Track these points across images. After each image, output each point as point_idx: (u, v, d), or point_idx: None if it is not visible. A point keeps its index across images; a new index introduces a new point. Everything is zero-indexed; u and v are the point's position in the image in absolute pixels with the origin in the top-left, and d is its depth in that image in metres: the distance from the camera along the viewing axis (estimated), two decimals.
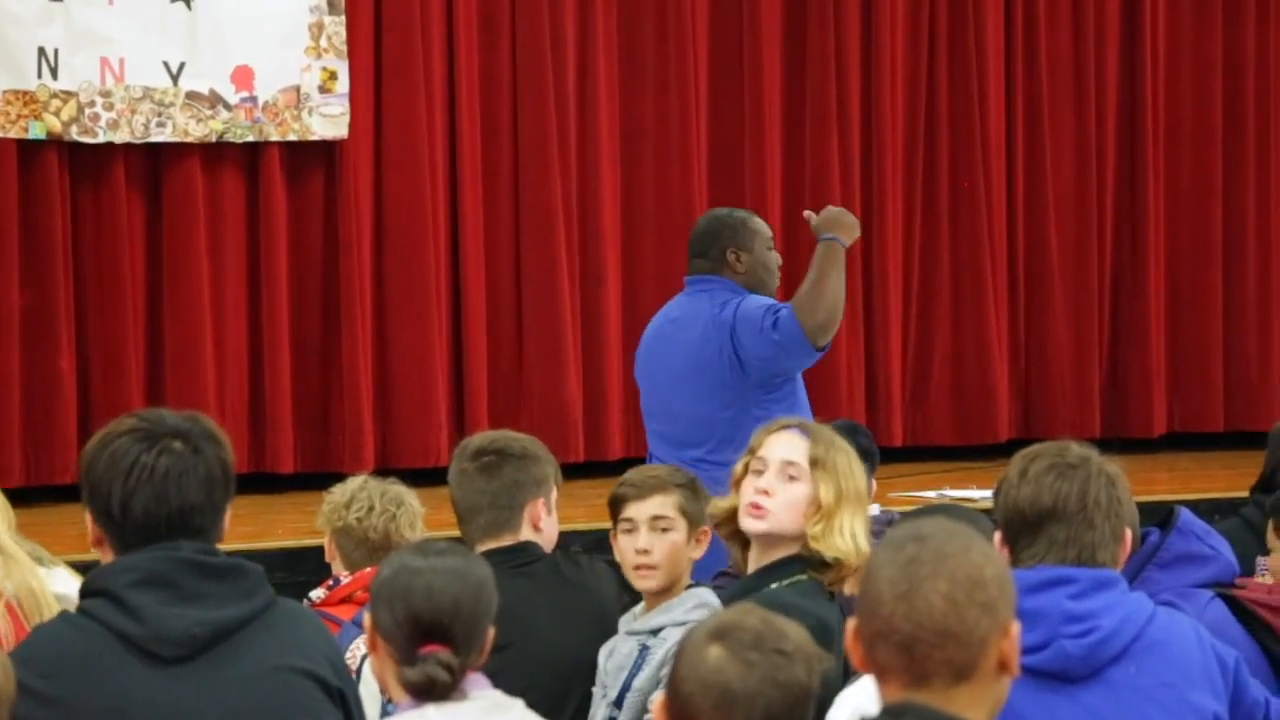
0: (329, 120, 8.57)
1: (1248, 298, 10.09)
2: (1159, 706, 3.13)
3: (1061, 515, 3.18)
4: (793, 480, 3.81)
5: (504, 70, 8.95)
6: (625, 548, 4.12)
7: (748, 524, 3.84)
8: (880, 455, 5.72)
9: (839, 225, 5.71)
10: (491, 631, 3.00)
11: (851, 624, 2.45)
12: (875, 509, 5.35)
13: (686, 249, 9.21)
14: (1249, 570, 5.00)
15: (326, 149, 8.64)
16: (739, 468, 3.89)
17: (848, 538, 3.74)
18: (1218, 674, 3.22)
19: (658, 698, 2.59)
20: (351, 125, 8.60)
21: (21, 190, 8.24)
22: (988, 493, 7.82)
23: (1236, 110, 10.08)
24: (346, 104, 8.58)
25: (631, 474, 4.23)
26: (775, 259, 5.83)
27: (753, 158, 9.33)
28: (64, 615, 3.11)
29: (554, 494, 4.29)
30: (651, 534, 4.08)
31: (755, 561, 3.86)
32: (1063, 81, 9.83)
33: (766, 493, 3.80)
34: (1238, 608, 4.35)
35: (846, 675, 3.40)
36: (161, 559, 3.00)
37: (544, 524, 4.26)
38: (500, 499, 4.20)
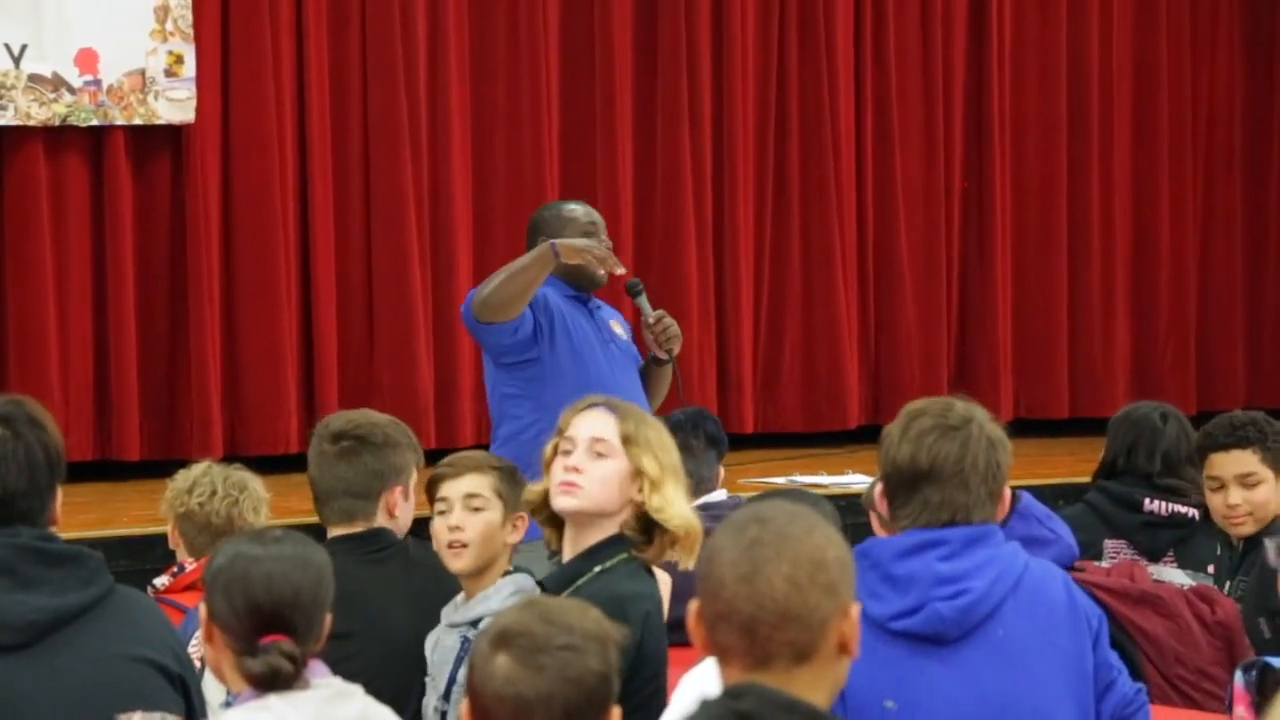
0: (175, 104, 8.47)
1: (1092, 286, 10.25)
2: (1034, 656, 3.16)
3: (937, 477, 3.19)
4: (601, 457, 3.74)
5: (354, 55, 8.89)
6: (439, 527, 4.11)
7: (560, 502, 3.75)
8: (730, 442, 5.76)
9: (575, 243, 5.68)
10: (329, 619, 2.99)
11: (693, 605, 2.46)
12: (723, 494, 5.39)
13: None
14: (1093, 554, 5.09)
15: (173, 134, 8.54)
16: (548, 450, 3.82)
17: (683, 508, 3.75)
18: (1085, 626, 3.25)
19: (463, 704, 2.58)
20: (198, 110, 8.50)
21: None
22: (837, 479, 7.92)
23: (1081, 102, 10.22)
24: (193, 88, 8.48)
25: (449, 457, 4.22)
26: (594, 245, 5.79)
27: (604, 146, 9.33)
28: None
29: (413, 479, 4.28)
30: (465, 512, 4.07)
31: (572, 543, 3.77)
32: (911, 73, 9.92)
33: (577, 470, 3.73)
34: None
35: None
36: (0, 545, 2.96)
37: (399, 510, 4.25)
38: (356, 486, 4.18)
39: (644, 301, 5.84)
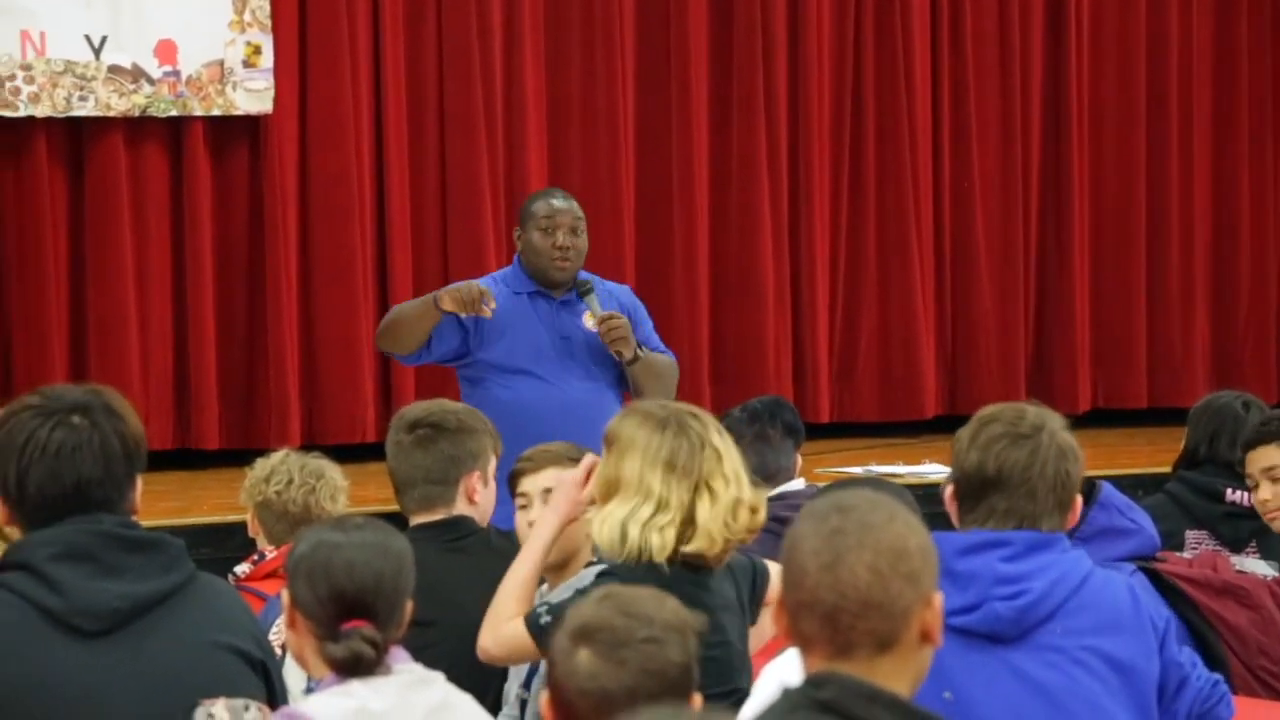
0: (253, 95, 8.51)
1: (1171, 274, 10.16)
2: (1082, 667, 3.15)
3: (1005, 485, 3.18)
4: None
5: (430, 45, 8.91)
6: (521, 523, 4.12)
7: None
8: (806, 431, 5.74)
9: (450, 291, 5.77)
10: (410, 605, 3.00)
11: (776, 595, 2.45)
12: (800, 483, 5.38)
13: (611, 227, 9.26)
14: (1174, 545, 5.04)
15: (251, 124, 8.58)
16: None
17: (610, 523, 3.62)
18: (1149, 631, 3.23)
19: (544, 696, 2.59)
20: (276, 100, 8.54)
21: None
22: (914, 469, 7.89)
23: (1160, 89, 10.13)
24: (271, 79, 8.52)
25: (528, 450, 4.23)
26: (542, 240, 5.81)
27: (679, 135, 9.32)
28: None
29: (491, 465, 4.29)
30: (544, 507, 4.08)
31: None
32: (988, 60, 9.86)
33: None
34: (1159, 581, 4.39)
35: None
36: (82, 532, 2.99)
37: (479, 497, 4.27)
38: (434, 473, 4.20)
39: (592, 301, 5.80)
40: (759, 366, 9.35)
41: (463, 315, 5.74)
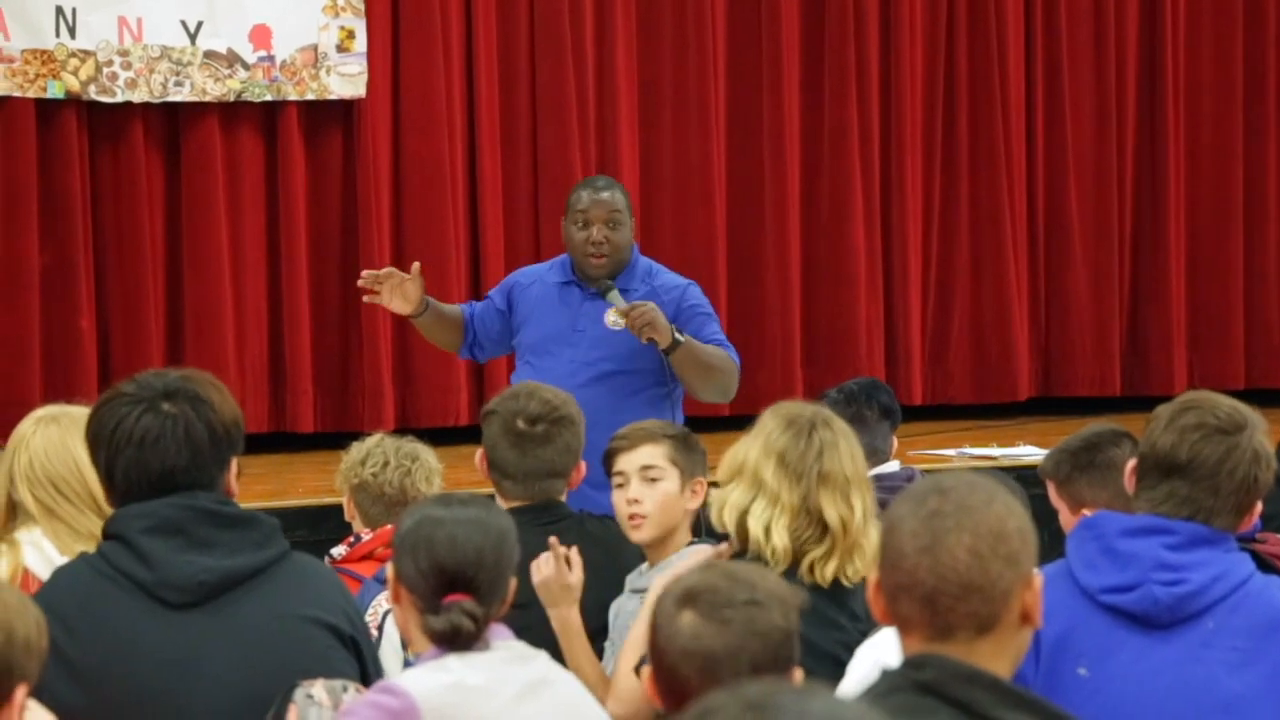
0: (347, 80, 8.55)
1: (1268, 254, 10.06)
2: (1226, 667, 3.11)
3: (1191, 474, 3.15)
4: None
5: (522, 29, 8.92)
6: (618, 501, 4.14)
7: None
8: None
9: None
10: (514, 583, 3.01)
11: (873, 577, 2.45)
12: (895, 466, 5.35)
13: (702, 211, 9.25)
14: (1277, 526, 4.99)
15: (344, 108, 8.63)
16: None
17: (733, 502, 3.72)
18: None
19: (645, 671, 2.59)
20: (369, 84, 8.58)
21: (41, 150, 8.23)
22: (1009, 450, 7.84)
23: (1257, 67, 10.02)
24: (364, 63, 8.56)
25: (623, 429, 4.25)
26: (577, 234, 5.67)
27: (771, 117, 9.30)
28: (83, 556, 3.14)
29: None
30: (641, 484, 4.09)
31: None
32: (1083, 39, 9.77)
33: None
34: (1260, 562, 4.34)
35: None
36: (177, 506, 3.03)
37: (575, 482, 4.30)
38: (557, 466, 4.25)
39: (615, 298, 5.60)
40: (851, 349, 9.32)
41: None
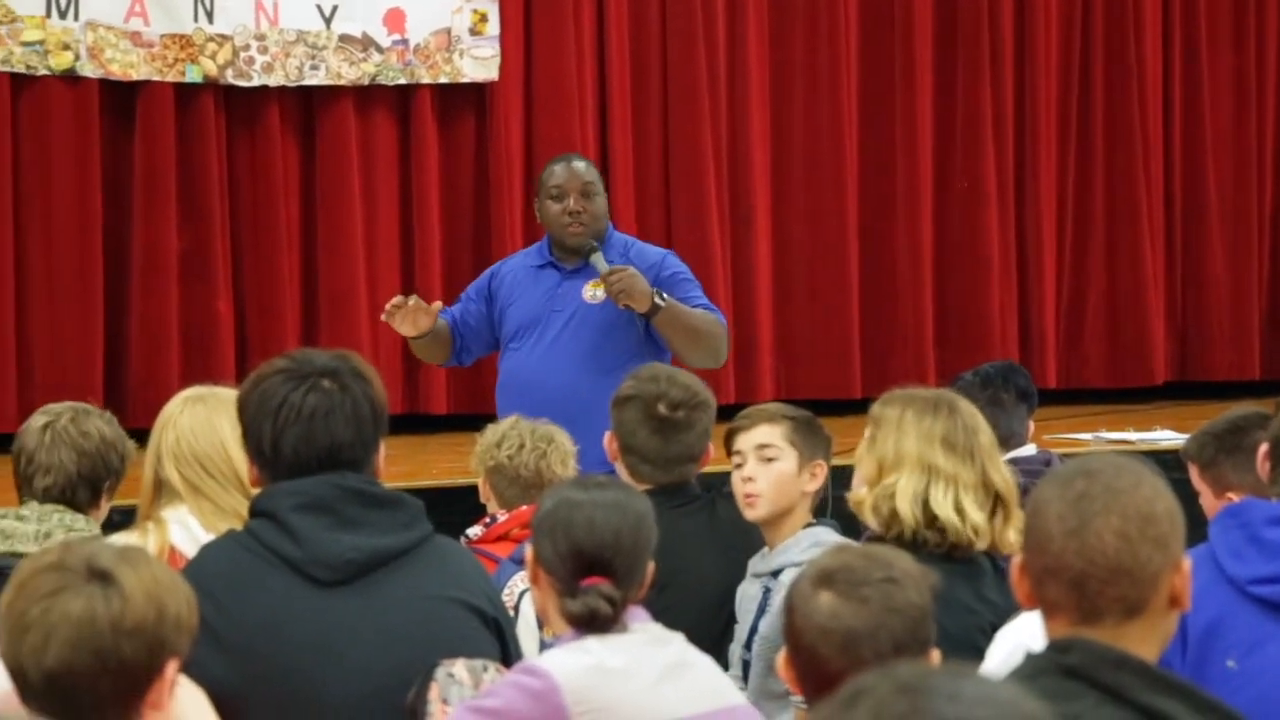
0: (480, 63, 8.59)
1: None
2: None
3: None
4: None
5: (653, 11, 8.92)
6: (736, 479, 4.14)
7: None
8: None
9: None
10: (651, 566, 3.01)
11: (1017, 560, 2.42)
12: (1032, 449, 5.31)
13: (834, 194, 9.21)
14: None
15: (477, 91, 8.67)
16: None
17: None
18: None
19: (780, 654, 2.58)
20: (502, 68, 8.61)
21: (179, 134, 8.33)
22: (1146, 435, 7.75)
23: None
24: (497, 46, 8.59)
25: (745, 410, 4.26)
26: (553, 206, 5.70)
27: (903, 100, 9.24)
28: (231, 533, 3.17)
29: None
30: (757, 463, 4.09)
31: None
32: (1221, 16, 9.64)
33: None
34: None
35: None
36: (326, 485, 3.05)
37: (704, 463, 4.32)
38: (696, 450, 4.29)
39: (597, 260, 5.62)
40: (984, 332, 9.26)
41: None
